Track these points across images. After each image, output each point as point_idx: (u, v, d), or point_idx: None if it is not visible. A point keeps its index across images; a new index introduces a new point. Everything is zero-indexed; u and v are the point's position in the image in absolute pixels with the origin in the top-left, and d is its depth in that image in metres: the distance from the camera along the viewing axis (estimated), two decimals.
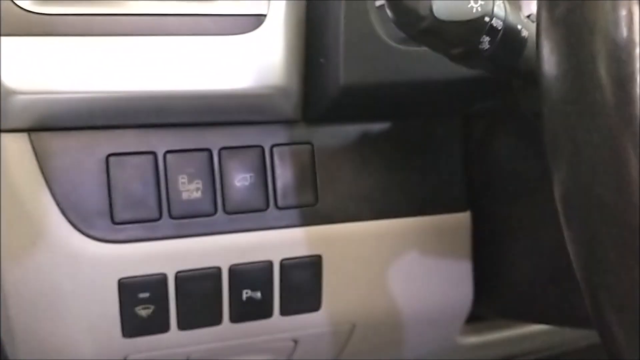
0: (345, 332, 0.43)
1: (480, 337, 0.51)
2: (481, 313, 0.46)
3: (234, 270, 0.37)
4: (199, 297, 0.36)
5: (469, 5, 0.24)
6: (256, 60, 0.34)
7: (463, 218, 0.42)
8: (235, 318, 0.38)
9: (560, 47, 0.19)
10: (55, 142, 0.33)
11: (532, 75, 0.30)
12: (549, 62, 0.20)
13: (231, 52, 0.33)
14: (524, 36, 0.28)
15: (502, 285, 0.42)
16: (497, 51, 0.26)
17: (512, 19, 0.26)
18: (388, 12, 0.25)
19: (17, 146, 0.33)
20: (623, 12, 0.18)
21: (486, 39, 0.25)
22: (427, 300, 0.43)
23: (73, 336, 0.36)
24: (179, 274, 0.36)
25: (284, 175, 0.37)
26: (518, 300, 0.43)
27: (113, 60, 0.32)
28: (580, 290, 0.39)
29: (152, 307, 0.36)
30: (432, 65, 0.34)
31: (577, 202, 0.19)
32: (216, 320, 0.37)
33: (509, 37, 0.26)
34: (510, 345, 0.54)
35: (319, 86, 0.35)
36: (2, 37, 0.30)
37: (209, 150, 0.36)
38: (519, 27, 0.27)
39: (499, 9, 0.25)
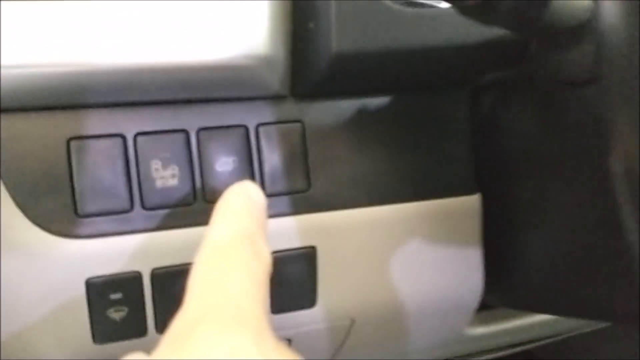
0: (343, 328, 0.40)
1: (489, 327, 0.48)
2: (491, 303, 0.43)
3: None
4: (178, 297, 0.32)
5: None
6: (236, 25, 0.30)
7: (472, 201, 0.39)
8: None
9: None
10: (7, 125, 0.30)
11: (559, 32, 0.27)
12: None
13: (207, 17, 0.30)
14: None
15: (515, 274, 0.39)
16: (520, 2, 0.23)
17: None
18: None
19: None
20: None
21: None
22: (433, 292, 0.40)
23: (37, 344, 0.32)
24: (155, 272, 0.32)
25: (271, 158, 0.34)
26: (532, 290, 0.40)
27: (72, 28, 0.28)
28: (599, 279, 0.36)
29: (126, 309, 0.32)
30: (437, 29, 0.31)
31: None
32: None
33: None
34: (519, 333, 0.51)
35: (309, 55, 0.31)
36: None
37: (186, 132, 0.32)
38: None
39: None
